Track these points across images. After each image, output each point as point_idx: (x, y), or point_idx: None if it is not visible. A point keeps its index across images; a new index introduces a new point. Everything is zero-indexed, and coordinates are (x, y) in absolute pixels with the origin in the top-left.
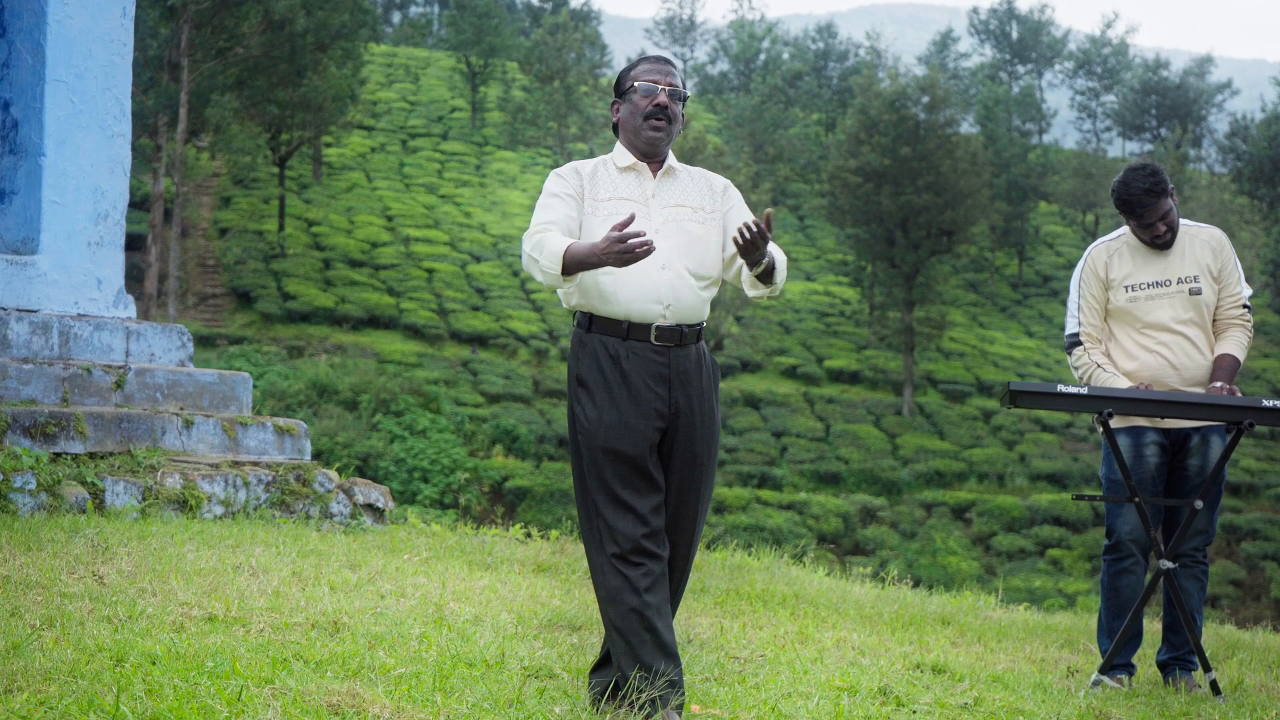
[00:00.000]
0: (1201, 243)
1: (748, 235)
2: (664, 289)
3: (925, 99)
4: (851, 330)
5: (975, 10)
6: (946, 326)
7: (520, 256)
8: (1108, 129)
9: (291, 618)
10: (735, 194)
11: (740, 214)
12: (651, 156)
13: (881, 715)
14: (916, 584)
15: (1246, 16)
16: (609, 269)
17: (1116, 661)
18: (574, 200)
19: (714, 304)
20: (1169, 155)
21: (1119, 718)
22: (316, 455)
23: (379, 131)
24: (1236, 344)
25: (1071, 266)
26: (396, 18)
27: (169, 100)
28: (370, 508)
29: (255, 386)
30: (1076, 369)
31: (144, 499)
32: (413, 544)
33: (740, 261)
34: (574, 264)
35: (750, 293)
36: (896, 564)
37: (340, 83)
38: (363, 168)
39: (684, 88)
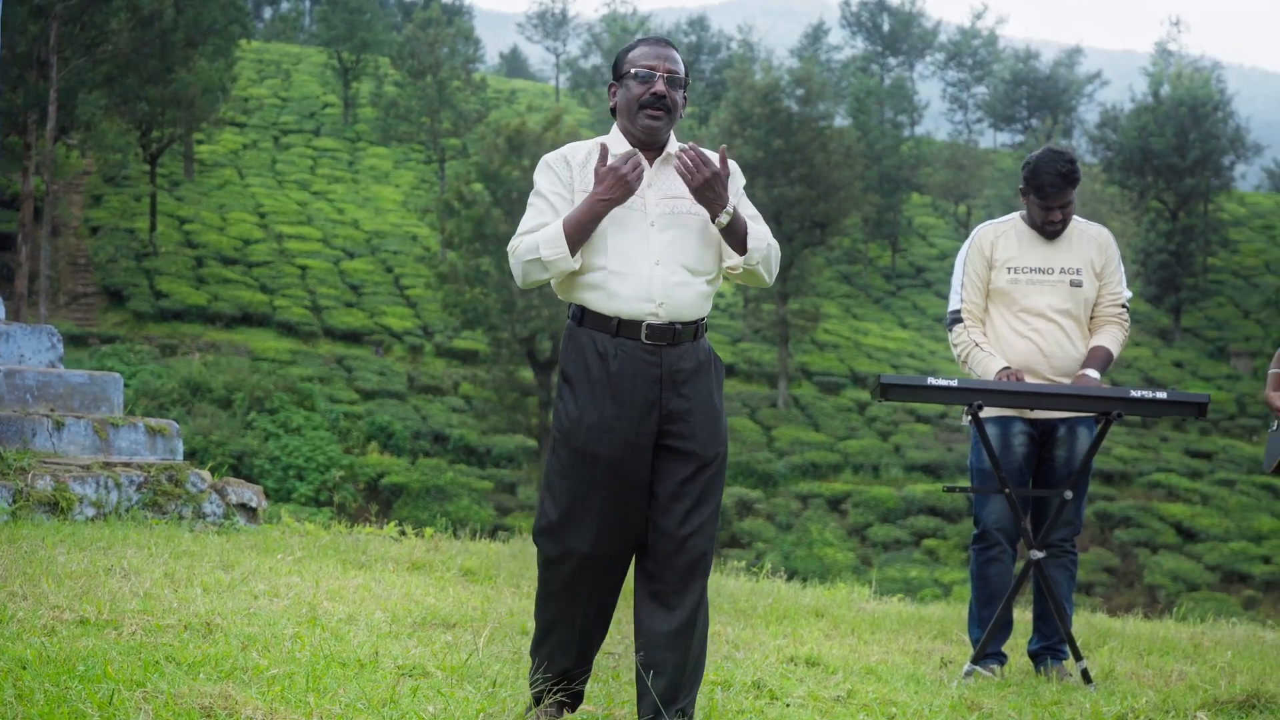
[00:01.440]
0: (1089, 239)
1: (685, 165)
2: (657, 286)
3: (799, 92)
4: (726, 323)
5: (846, 3)
6: (820, 318)
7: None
8: (979, 120)
9: (164, 620)
10: (737, 179)
11: (741, 200)
12: (648, 145)
13: (755, 709)
14: (792, 576)
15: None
16: (601, 265)
17: (988, 651)
18: (563, 199)
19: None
20: (1040, 145)
21: (991, 708)
22: (190, 455)
23: (251, 128)
24: (1112, 338)
25: (944, 258)
26: (267, 13)
27: (38, 98)
28: (244, 507)
29: (127, 386)
30: (955, 346)
31: (14, 502)
32: (286, 543)
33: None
34: (576, 232)
35: (726, 264)
36: (773, 556)
37: (211, 75)
38: (235, 164)
39: (685, 72)
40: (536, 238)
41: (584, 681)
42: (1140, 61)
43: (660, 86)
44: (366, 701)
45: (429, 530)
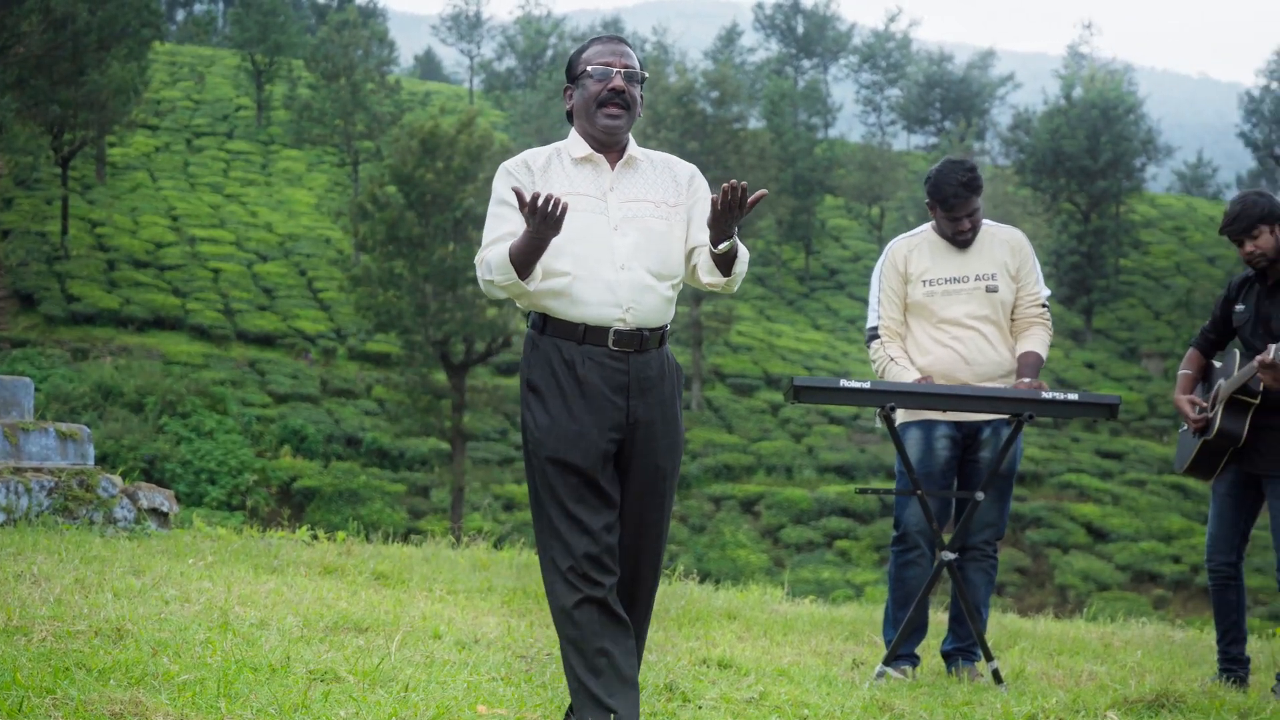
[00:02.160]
0: (1001, 242)
1: (729, 197)
2: (623, 291)
3: (713, 94)
4: None
5: (761, 5)
6: (734, 320)
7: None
8: (892, 122)
9: (74, 625)
10: (702, 184)
11: (699, 207)
12: (609, 146)
13: (667, 711)
14: (705, 578)
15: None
16: (565, 271)
17: (901, 652)
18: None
19: (500, 300)
20: (953, 148)
21: (902, 709)
22: (101, 459)
23: (163, 131)
24: (1039, 341)
25: (858, 260)
26: (180, 15)
27: None
28: (155, 512)
29: (38, 390)
30: (873, 362)
31: None
32: (198, 548)
33: (699, 253)
34: (522, 259)
35: (705, 279)
36: (686, 559)
37: (123, 78)
38: (147, 167)
39: (641, 68)
40: (491, 259)
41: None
42: (1052, 64)
43: (618, 82)
44: (278, 707)
45: (341, 534)
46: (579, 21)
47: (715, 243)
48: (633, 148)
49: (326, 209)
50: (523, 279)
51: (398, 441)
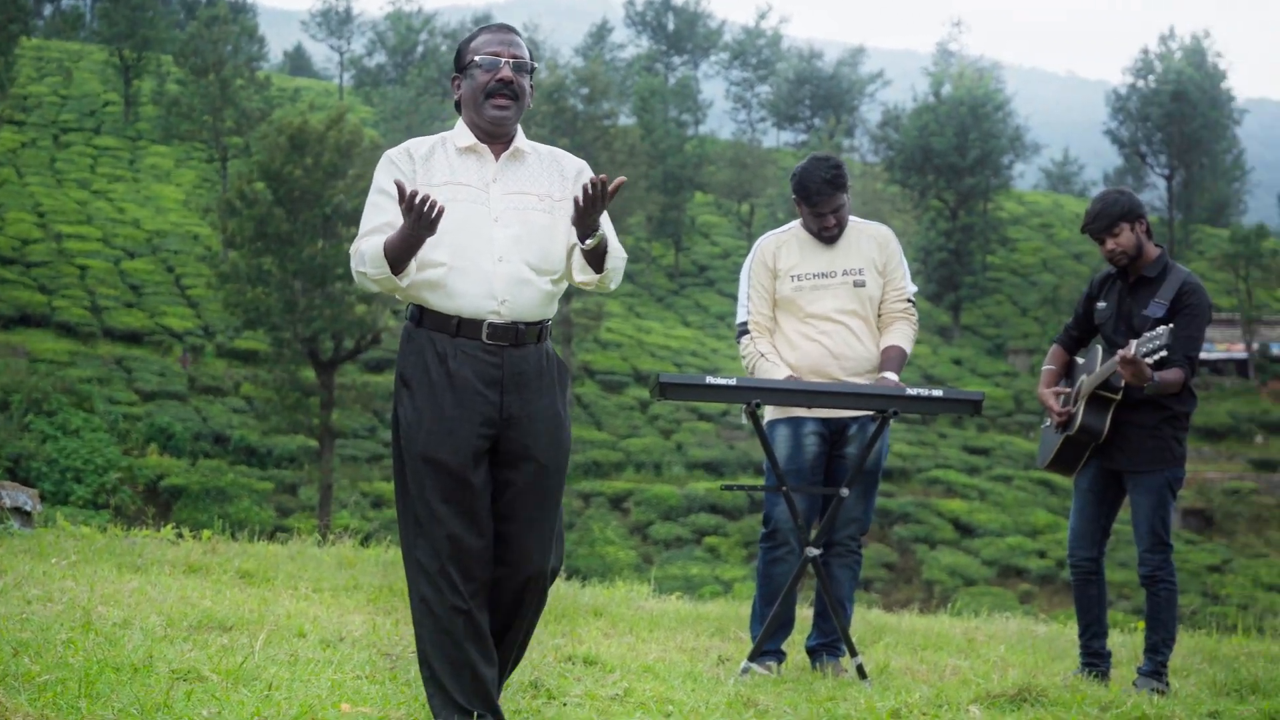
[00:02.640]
0: (869, 238)
1: (589, 192)
2: (499, 284)
3: (583, 91)
4: None
5: (631, 2)
6: (604, 317)
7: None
8: (762, 119)
9: None
10: (589, 178)
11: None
12: (496, 137)
13: (532, 709)
14: (573, 575)
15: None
16: (441, 262)
17: (766, 648)
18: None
19: (369, 297)
20: (823, 145)
21: (766, 705)
22: None
23: (29, 126)
24: (903, 335)
25: (727, 256)
26: (48, 10)
27: None
28: (18, 511)
29: None
30: (743, 357)
31: None
32: (61, 547)
33: (576, 251)
34: (396, 255)
35: (578, 277)
36: None
37: None
38: (13, 163)
39: (530, 58)
40: (365, 252)
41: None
42: (922, 61)
43: (506, 73)
44: (140, 707)
45: (206, 533)
46: (450, 18)
47: (582, 238)
48: (520, 140)
49: (195, 205)
50: (396, 274)
51: (266, 439)
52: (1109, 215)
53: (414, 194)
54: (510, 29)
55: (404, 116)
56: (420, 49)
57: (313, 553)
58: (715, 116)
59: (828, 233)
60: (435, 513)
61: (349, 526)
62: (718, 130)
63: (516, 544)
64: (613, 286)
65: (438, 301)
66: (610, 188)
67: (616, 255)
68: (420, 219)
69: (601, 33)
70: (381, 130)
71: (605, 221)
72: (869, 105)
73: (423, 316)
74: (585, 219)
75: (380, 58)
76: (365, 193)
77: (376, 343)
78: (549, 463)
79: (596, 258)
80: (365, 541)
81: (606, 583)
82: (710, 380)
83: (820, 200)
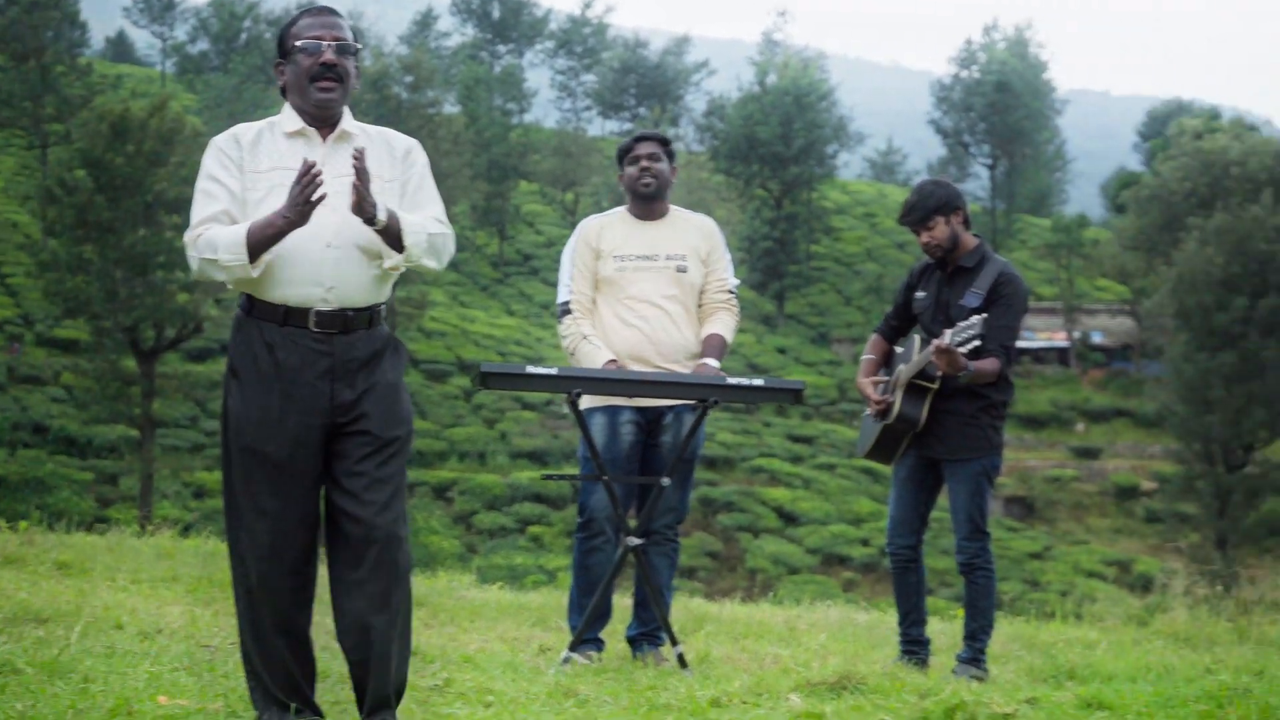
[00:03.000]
0: (694, 226)
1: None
2: (327, 270)
3: (408, 79)
4: None
5: None
6: (427, 306)
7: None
8: (588, 108)
9: None
10: (420, 158)
11: (422, 183)
12: (323, 120)
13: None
14: None
15: None
16: (275, 252)
17: (586, 637)
18: (236, 181)
19: (191, 285)
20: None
21: (587, 694)
22: None
23: None
24: (724, 325)
25: (551, 246)
26: None
27: None
28: None
29: None
30: (564, 338)
31: None
32: None
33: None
34: (260, 244)
35: (386, 262)
36: None
37: None
38: None
39: (354, 39)
40: (218, 238)
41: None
42: (747, 51)
43: (330, 55)
44: None
45: (24, 524)
46: (273, 4)
47: (367, 220)
48: (348, 122)
49: (14, 193)
50: (252, 263)
51: (86, 429)
52: (922, 208)
53: (312, 164)
54: (332, 11)
55: (227, 104)
56: (244, 36)
57: (132, 544)
58: (540, 105)
59: (644, 180)
60: (259, 506)
61: (170, 517)
62: (543, 119)
63: (361, 515)
64: (430, 264)
65: (265, 290)
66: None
67: (414, 231)
68: (304, 198)
69: (426, 21)
70: (205, 118)
71: (429, 194)
72: (694, 95)
73: (252, 306)
74: (356, 196)
75: (203, 44)
76: (188, 181)
77: (199, 332)
78: (385, 434)
79: (393, 238)
80: (185, 532)
81: (429, 573)
82: (531, 369)
83: (639, 144)
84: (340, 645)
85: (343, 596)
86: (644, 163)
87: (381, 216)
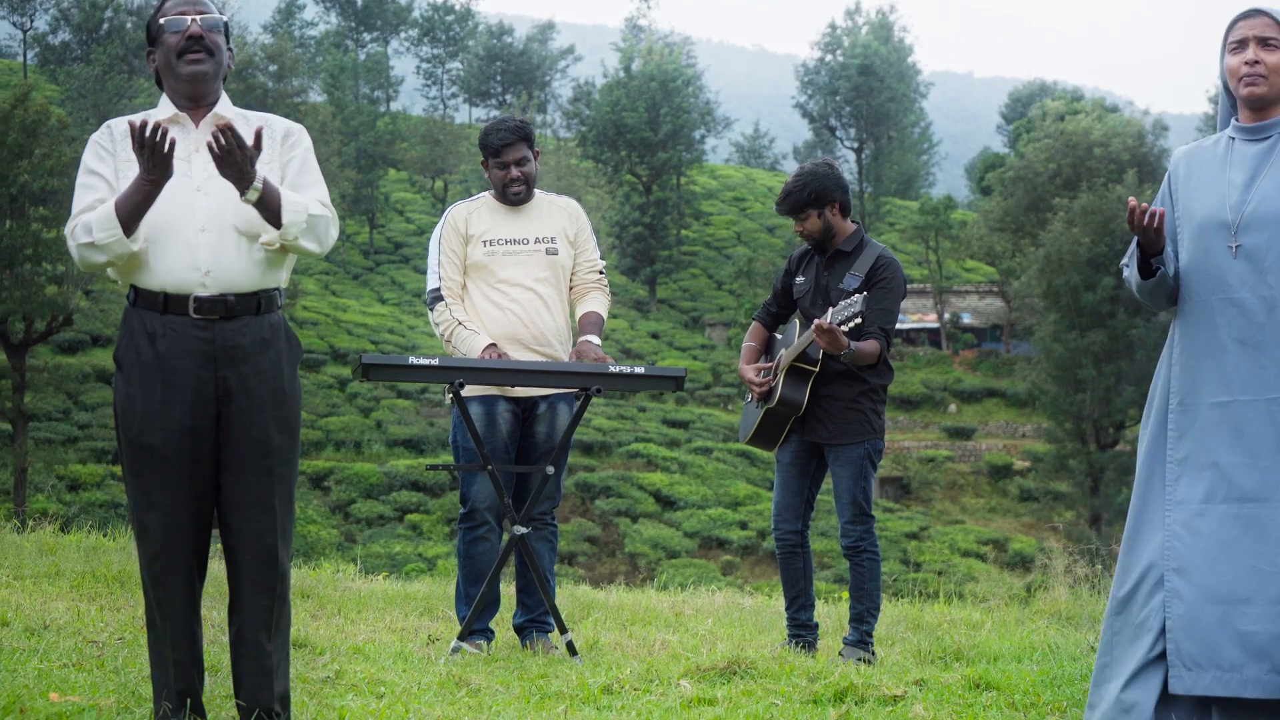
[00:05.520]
0: (560, 209)
1: (222, 143)
2: (203, 254)
3: (272, 68)
4: None
5: None
6: (299, 295)
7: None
8: (454, 96)
9: None
10: (303, 140)
11: (304, 166)
12: (197, 101)
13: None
14: None
15: None
16: (145, 238)
17: (475, 627)
18: (112, 170)
19: (59, 278)
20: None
21: (479, 683)
22: None
23: None
24: (599, 303)
25: (422, 233)
26: None
27: None
28: None
29: None
30: (438, 325)
31: None
32: None
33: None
34: (127, 212)
35: (263, 238)
36: None
37: None
38: None
39: (222, 13)
40: (90, 219)
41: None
42: (612, 36)
43: (195, 28)
44: None
45: None
46: None
47: (241, 188)
48: (224, 105)
49: None
50: (128, 236)
51: None
52: (795, 201)
53: (143, 124)
54: None
55: (91, 94)
56: (105, 26)
57: (11, 539)
58: (407, 93)
59: (514, 188)
60: (149, 499)
61: (47, 511)
62: (409, 107)
63: (241, 528)
64: (309, 245)
65: (144, 279)
66: (253, 141)
67: (294, 209)
68: (154, 151)
69: (290, 9)
70: (68, 109)
71: (312, 176)
72: (560, 81)
73: (137, 296)
74: (223, 170)
75: (65, 35)
76: (53, 172)
77: (69, 324)
78: (274, 440)
79: (270, 213)
80: (66, 527)
81: (311, 563)
82: (414, 360)
83: (505, 149)
84: (231, 650)
85: (232, 613)
86: (513, 170)
87: (256, 185)
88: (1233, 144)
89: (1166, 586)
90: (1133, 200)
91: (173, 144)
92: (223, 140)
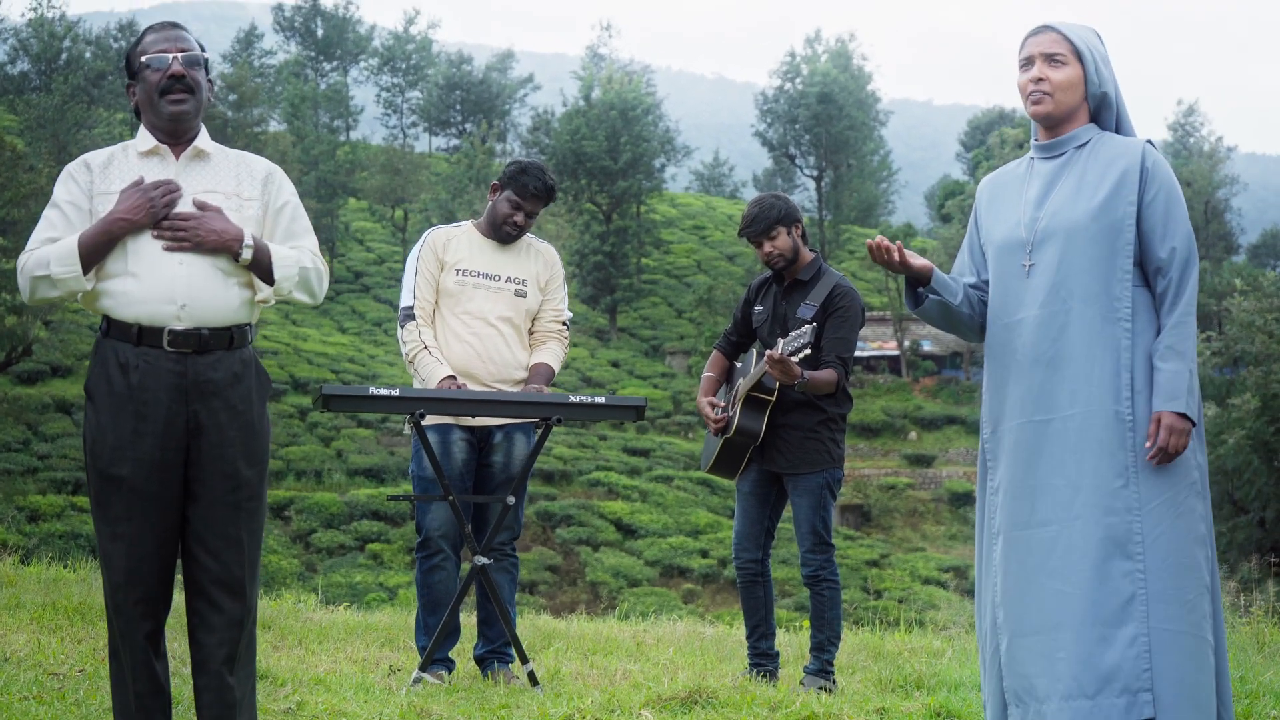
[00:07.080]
0: (538, 254)
1: (172, 235)
2: (179, 287)
3: (232, 97)
4: None
5: (280, 7)
6: (259, 325)
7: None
8: (414, 125)
9: None
10: (287, 187)
11: (295, 215)
12: (178, 137)
13: None
14: None
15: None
16: (121, 271)
17: (436, 657)
18: (79, 209)
19: (19, 308)
20: (476, 150)
21: (440, 714)
22: None
23: None
24: (553, 355)
25: (382, 262)
26: None
27: None
28: None
29: None
30: (405, 344)
31: None
32: None
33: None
34: (89, 250)
35: (258, 295)
36: None
37: None
38: None
39: (202, 50)
40: (48, 253)
41: None
42: (571, 65)
43: (177, 68)
44: None
45: None
46: (94, 23)
47: (234, 256)
48: (204, 140)
49: None
50: (85, 274)
51: None
52: (766, 219)
53: (161, 181)
54: (175, 25)
55: (50, 124)
56: (64, 56)
57: None
58: (367, 122)
59: (511, 228)
60: (115, 530)
61: (7, 542)
62: (369, 136)
63: (211, 564)
64: (302, 297)
65: (119, 310)
66: (176, 228)
67: (285, 264)
68: (145, 203)
69: (249, 39)
70: (27, 139)
71: (303, 225)
72: (520, 110)
73: (110, 327)
74: (202, 251)
75: (24, 65)
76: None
77: (28, 354)
78: (244, 474)
79: (263, 271)
80: (26, 559)
81: (272, 593)
82: (374, 391)
83: (531, 199)
84: (197, 692)
85: (194, 647)
86: (521, 218)
87: (247, 243)
88: (1033, 163)
89: (997, 621)
90: (870, 241)
91: (171, 203)
92: (171, 235)
